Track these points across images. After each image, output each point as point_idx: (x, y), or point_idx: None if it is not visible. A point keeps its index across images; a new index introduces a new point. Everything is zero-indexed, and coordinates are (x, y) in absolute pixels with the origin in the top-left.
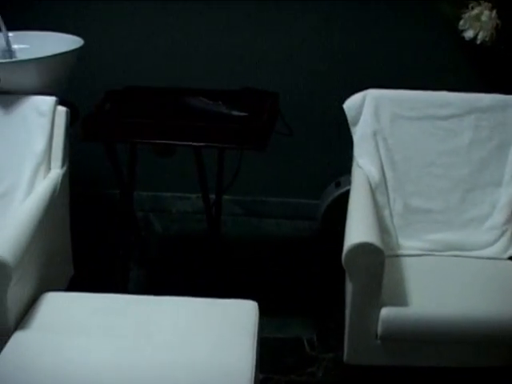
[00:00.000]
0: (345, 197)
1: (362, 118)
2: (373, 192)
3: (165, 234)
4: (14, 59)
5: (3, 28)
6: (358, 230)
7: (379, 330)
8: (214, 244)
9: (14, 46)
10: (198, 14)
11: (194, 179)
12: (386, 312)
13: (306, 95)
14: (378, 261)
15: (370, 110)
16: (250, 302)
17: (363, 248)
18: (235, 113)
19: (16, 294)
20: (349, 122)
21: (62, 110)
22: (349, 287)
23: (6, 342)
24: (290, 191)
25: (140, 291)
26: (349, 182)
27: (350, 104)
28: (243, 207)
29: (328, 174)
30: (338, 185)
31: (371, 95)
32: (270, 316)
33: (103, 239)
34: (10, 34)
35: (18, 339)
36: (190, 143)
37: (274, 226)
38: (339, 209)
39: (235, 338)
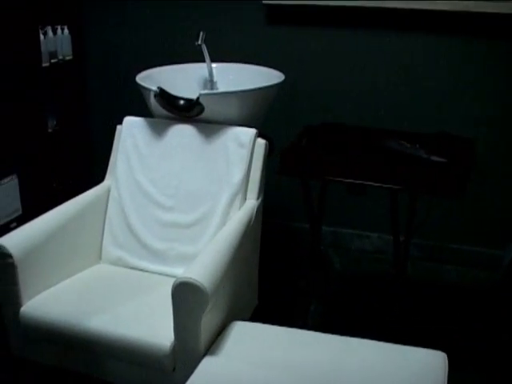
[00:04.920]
0: None
1: None
2: None
3: (343, 271)
4: (219, 90)
5: (207, 59)
6: None
7: None
8: (399, 287)
9: (217, 78)
10: (396, 57)
11: (376, 218)
12: None
13: (501, 142)
14: None
15: None
16: (439, 352)
17: None
18: (434, 158)
19: (209, 320)
20: None
21: (261, 142)
22: None
23: (196, 366)
24: (473, 239)
25: (317, 327)
26: None
27: None
28: (423, 251)
29: None
30: None
31: None
32: None
33: (286, 271)
34: (214, 65)
35: (207, 365)
36: (389, 186)
37: (453, 273)
38: None
39: None
